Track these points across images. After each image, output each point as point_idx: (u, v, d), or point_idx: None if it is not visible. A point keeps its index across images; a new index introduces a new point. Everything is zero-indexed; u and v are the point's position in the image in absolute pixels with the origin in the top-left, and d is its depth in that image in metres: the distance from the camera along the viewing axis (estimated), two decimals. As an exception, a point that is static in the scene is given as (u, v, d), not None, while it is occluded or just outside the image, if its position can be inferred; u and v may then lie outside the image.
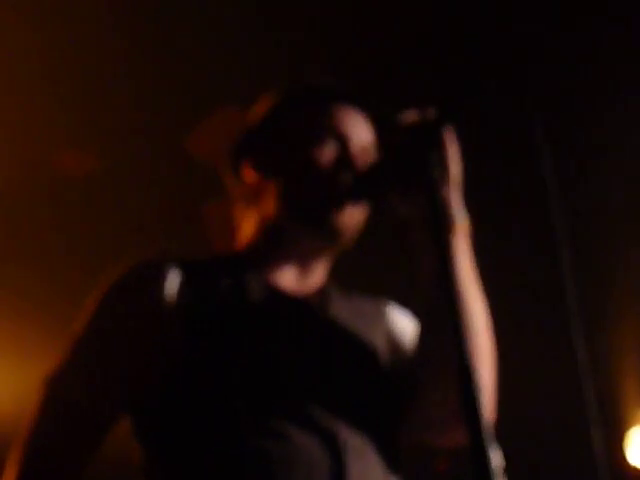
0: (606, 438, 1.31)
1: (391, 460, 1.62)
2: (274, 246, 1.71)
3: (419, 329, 1.68)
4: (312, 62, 3.22)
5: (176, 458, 1.56)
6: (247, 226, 1.76)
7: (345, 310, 1.72)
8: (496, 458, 1.24)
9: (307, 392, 1.56)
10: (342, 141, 1.70)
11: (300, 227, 1.69)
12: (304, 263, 1.72)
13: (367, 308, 1.79)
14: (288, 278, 1.70)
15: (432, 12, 3.33)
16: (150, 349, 1.58)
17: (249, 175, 1.76)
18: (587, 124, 3.69)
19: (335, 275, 1.80)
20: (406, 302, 1.82)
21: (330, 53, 3.38)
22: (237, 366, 1.55)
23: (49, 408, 1.60)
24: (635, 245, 4.18)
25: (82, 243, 4.05)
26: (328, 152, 1.68)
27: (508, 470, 1.42)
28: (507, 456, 1.50)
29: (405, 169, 1.51)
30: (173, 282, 1.60)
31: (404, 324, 1.78)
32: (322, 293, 1.73)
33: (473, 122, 1.50)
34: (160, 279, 1.60)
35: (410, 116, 1.54)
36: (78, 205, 3.96)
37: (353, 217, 1.68)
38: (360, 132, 1.72)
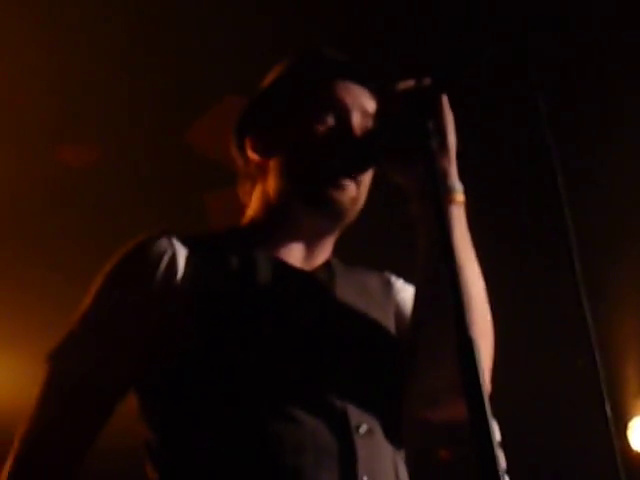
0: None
1: (398, 438, 1.62)
2: (279, 224, 1.71)
3: (415, 300, 1.67)
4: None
5: (183, 440, 1.54)
6: (253, 203, 1.76)
7: (351, 286, 1.72)
8: (495, 432, 1.23)
9: (316, 373, 1.55)
10: (341, 114, 1.69)
11: (302, 205, 1.68)
12: (310, 240, 1.72)
13: (372, 283, 1.79)
14: (294, 254, 1.70)
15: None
16: (157, 324, 1.56)
17: (252, 153, 1.75)
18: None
19: (337, 249, 1.80)
20: (404, 273, 1.82)
21: (329, 25, 3.37)
22: (247, 345, 1.53)
23: (53, 382, 1.59)
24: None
25: (82, 234, 4.05)
26: (327, 126, 1.68)
27: (512, 458, 1.43)
28: (512, 444, 1.51)
29: (402, 138, 1.51)
30: (180, 255, 1.59)
31: (409, 296, 1.77)
32: (328, 269, 1.73)
33: (471, 91, 1.49)
34: (166, 252, 1.59)
35: (406, 85, 1.53)
36: (78, 196, 3.96)
37: (351, 196, 1.67)
38: (359, 103, 1.71)
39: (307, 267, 1.71)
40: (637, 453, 4.93)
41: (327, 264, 1.74)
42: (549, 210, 1.29)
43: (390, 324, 1.72)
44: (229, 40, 3.46)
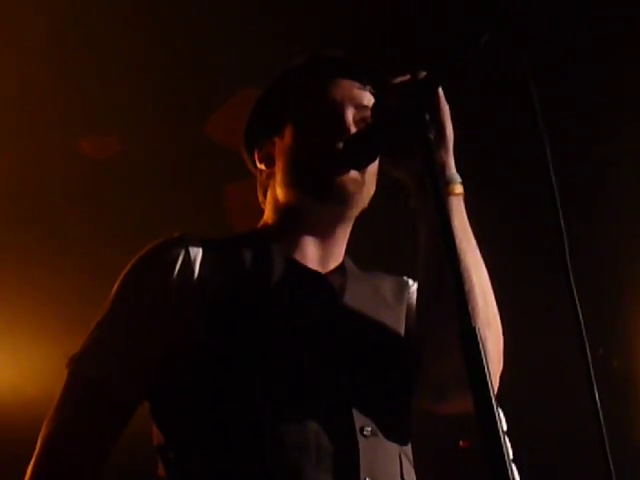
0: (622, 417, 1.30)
1: (404, 438, 1.62)
2: (291, 224, 1.73)
3: (419, 293, 1.68)
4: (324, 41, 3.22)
5: (190, 439, 1.56)
6: (266, 210, 1.80)
7: (363, 289, 1.73)
8: (502, 422, 1.23)
9: (323, 374, 1.56)
10: (335, 113, 1.70)
11: (306, 199, 1.70)
12: (322, 237, 1.73)
13: (385, 286, 1.79)
14: (309, 255, 1.72)
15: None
16: (173, 326, 1.58)
17: (260, 164, 1.80)
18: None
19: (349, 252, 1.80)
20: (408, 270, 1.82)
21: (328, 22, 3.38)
22: (255, 345, 1.55)
23: (73, 387, 1.62)
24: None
25: (104, 225, 4.07)
26: (322, 126, 1.69)
27: (520, 448, 1.43)
28: (520, 434, 1.51)
29: (400, 131, 1.51)
30: (195, 257, 1.61)
31: None
32: (342, 271, 1.74)
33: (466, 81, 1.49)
34: (182, 255, 1.61)
35: (402, 78, 1.54)
36: (100, 188, 3.98)
37: (352, 178, 1.67)
38: (353, 98, 1.72)
39: (321, 268, 1.72)
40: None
41: (341, 266, 1.76)
42: (546, 206, 1.29)
43: (400, 327, 1.72)
44: (249, 31, 3.47)
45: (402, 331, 1.71)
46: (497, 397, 1.39)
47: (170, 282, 1.59)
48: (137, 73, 3.60)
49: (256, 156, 1.80)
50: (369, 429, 1.52)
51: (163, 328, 1.58)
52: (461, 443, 4.21)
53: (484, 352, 1.21)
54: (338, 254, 1.76)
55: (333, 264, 1.74)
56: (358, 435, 1.51)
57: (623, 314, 4.27)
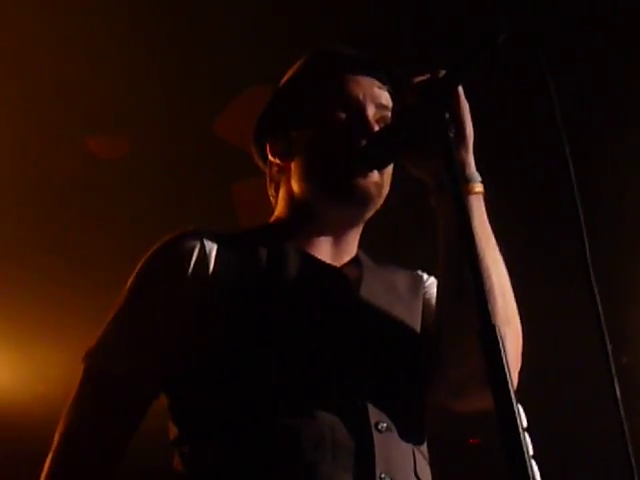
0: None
1: (419, 434, 1.62)
2: (306, 221, 1.72)
3: (438, 291, 1.68)
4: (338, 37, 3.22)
5: (205, 434, 1.56)
6: (279, 205, 1.79)
7: (378, 283, 1.72)
8: (522, 418, 1.23)
9: (338, 370, 1.56)
10: (356, 110, 1.69)
11: (326, 200, 1.69)
12: (337, 234, 1.73)
13: (400, 280, 1.79)
14: (323, 249, 1.72)
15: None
16: (189, 319, 1.58)
17: (273, 157, 1.78)
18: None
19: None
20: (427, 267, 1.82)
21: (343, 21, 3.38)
22: (270, 340, 1.55)
23: (89, 383, 1.62)
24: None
25: (111, 225, 4.09)
26: (343, 122, 1.69)
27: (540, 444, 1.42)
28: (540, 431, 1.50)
29: (420, 130, 1.50)
30: (210, 251, 1.61)
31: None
32: (357, 264, 1.74)
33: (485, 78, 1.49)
34: (197, 248, 1.61)
35: (421, 77, 1.53)
36: (107, 188, 3.99)
37: (374, 181, 1.67)
38: (373, 96, 1.71)
39: (336, 262, 1.72)
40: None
41: (356, 259, 1.75)
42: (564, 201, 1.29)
43: (415, 321, 1.71)
44: (257, 30, 3.47)
45: (418, 326, 1.71)
46: (516, 394, 1.40)
47: (185, 275, 1.59)
48: (145, 73, 3.61)
49: (269, 149, 1.79)
50: (384, 424, 1.52)
51: (178, 321, 1.59)
52: (471, 440, 4.22)
53: (504, 350, 1.21)
54: (352, 249, 1.76)
55: (347, 258, 1.74)
56: (373, 430, 1.51)
57: (632, 312, 4.27)
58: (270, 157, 1.78)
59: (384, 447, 1.51)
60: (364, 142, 1.63)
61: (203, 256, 1.60)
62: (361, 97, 1.70)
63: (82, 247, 4.15)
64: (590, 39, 3.40)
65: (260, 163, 1.84)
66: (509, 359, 1.48)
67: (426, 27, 3.41)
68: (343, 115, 1.69)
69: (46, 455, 1.59)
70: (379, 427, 1.52)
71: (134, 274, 1.65)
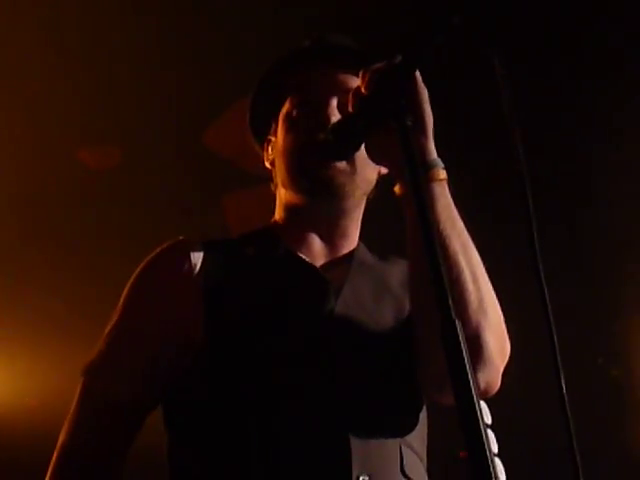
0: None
1: (404, 429, 1.61)
2: (295, 220, 1.74)
3: (410, 282, 1.63)
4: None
5: (191, 448, 1.58)
6: (276, 206, 1.81)
7: (365, 281, 1.72)
8: (485, 416, 1.22)
9: (313, 372, 1.56)
10: (317, 104, 1.70)
11: (301, 197, 1.71)
12: (325, 230, 1.74)
13: (394, 272, 1.77)
14: (314, 247, 1.73)
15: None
16: (180, 329, 1.60)
17: (265, 163, 1.83)
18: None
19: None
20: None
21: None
22: (251, 352, 1.57)
23: (86, 398, 1.65)
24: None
25: (103, 236, 4.08)
26: (302, 120, 1.70)
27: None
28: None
29: (378, 119, 1.48)
30: (198, 260, 1.64)
31: None
32: (348, 261, 1.74)
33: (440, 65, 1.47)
34: (185, 258, 1.64)
35: (377, 65, 1.50)
36: (99, 199, 3.99)
37: (340, 170, 1.66)
38: (339, 85, 1.71)
39: (328, 258, 1.73)
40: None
41: (348, 256, 1.75)
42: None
43: (402, 316, 1.69)
44: (251, 44, 3.48)
45: (404, 319, 1.67)
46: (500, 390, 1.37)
47: (174, 286, 1.63)
48: (137, 84, 3.62)
49: (264, 157, 1.84)
50: (364, 438, 1.52)
51: (171, 333, 1.61)
52: (461, 453, 4.18)
53: (464, 345, 1.19)
54: (346, 243, 1.76)
55: (341, 253, 1.75)
56: (352, 448, 1.50)
57: (622, 324, 4.25)
58: (266, 164, 1.83)
59: (361, 448, 1.51)
60: (322, 135, 1.62)
61: (190, 266, 1.63)
62: (320, 90, 1.71)
63: (77, 261, 4.15)
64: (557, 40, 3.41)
65: (261, 163, 1.88)
66: (490, 352, 1.49)
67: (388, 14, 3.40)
68: (303, 112, 1.71)
69: (41, 469, 1.63)
70: (358, 446, 1.51)
71: (127, 289, 1.68)
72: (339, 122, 1.61)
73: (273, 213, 1.82)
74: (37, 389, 4.41)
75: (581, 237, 3.87)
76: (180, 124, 3.79)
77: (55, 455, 1.62)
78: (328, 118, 1.66)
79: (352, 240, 1.77)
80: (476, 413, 1.17)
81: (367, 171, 1.70)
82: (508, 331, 1.58)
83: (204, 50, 3.56)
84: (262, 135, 1.84)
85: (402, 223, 1.55)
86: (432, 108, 1.53)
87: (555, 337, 1.23)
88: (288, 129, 1.72)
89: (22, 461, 3.86)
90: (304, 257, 1.70)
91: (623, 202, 3.90)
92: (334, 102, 1.69)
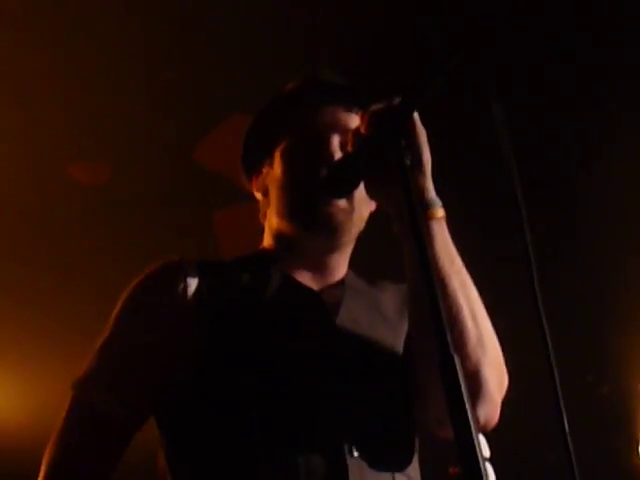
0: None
1: (400, 461, 1.62)
2: (288, 249, 1.75)
3: (409, 318, 1.65)
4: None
5: (188, 460, 1.58)
6: (265, 235, 1.82)
7: (360, 304, 1.73)
8: (484, 449, 1.22)
9: (314, 396, 1.56)
10: (317, 141, 1.71)
11: (298, 230, 1.72)
12: (318, 261, 1.74)
13: (388, 299, 1.78)
14: (306, 276, 1.73)
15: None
16: (173, 347, 1.61)
17: (257, 193, 1.83)
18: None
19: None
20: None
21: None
22: (247, 370, 1.57)
23: (76, 413, 1.64)
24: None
25: (94, 251, 4.08)
26: (304, 156, 1.71)
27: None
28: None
29: (377, 159, 1.49)
30: (192, 279, 1.64)
31: None
32: (340, 287, 1.75)
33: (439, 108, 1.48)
34: (179, 278, 1.63)
35: (377, 106, 1.52)
36: (90, 214, 3.99)
37: (340, 208, 1.68)
38: (340, 124, 1.72)
39: (320, 286, 1.73)
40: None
41: (341, 282, 1.76)
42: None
43: (398, 343, 1.70)
44: (244, 58, 3.49)
45: (400, 347, 1.69)
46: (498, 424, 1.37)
47: (168, 305, 1.62)
48: (128, 99, 3.62)
49: (253, 185, 1.83)
50: (358, 450, 1.53)
51: (162, 350, 1.61)
52: (451, 470, 4.20)
53: (463, 381, 1.19)
54: (337, 273, 1.77)
55: (335, 278, 1.75)
56: (347, 455, 1.51)
57: (614, 341, 4.27)
58: (255, 193, 1.83)
59: (357, 471, 1.51)
60: (324, 171, 1.64)
61: (185, 285, 1.63)
62: (322, 126, 1.72)
63: (68, 278, 4.15)
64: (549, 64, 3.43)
65: (251, 194, 1.88)
66: (490, 387, 1.51)
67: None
68: (306, 147, 1.71)
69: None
70: (352, 452, 1.52)
71: (118, 305, 1.68)
72: (340, 160, 1.63)
73: (262, 235, 1.83)
74: (28, 406, 4.41)
75: (571, 257, 3.89)
76: (172, 140, 3.79)
77: (43, 470, 1.61)
78: (331, 155, 1.68)
79: (341, 270, 1.78)
80: (476, 450, 1.17)
81: (363, 209, 1.73)
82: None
83: (196, 66, 3.56)
84: (252, 164, 1.84)
85: (390, 245, 1.56)
86: (430, 145, 1.54)
87: (556, 372, 1.24)
88: (289, 163, 1.73)
89: (14, 476, 3.85)
90: (302, 281, 1.71)
91: (611, 226, 3.94)
92: (336, 140, 1.70)
